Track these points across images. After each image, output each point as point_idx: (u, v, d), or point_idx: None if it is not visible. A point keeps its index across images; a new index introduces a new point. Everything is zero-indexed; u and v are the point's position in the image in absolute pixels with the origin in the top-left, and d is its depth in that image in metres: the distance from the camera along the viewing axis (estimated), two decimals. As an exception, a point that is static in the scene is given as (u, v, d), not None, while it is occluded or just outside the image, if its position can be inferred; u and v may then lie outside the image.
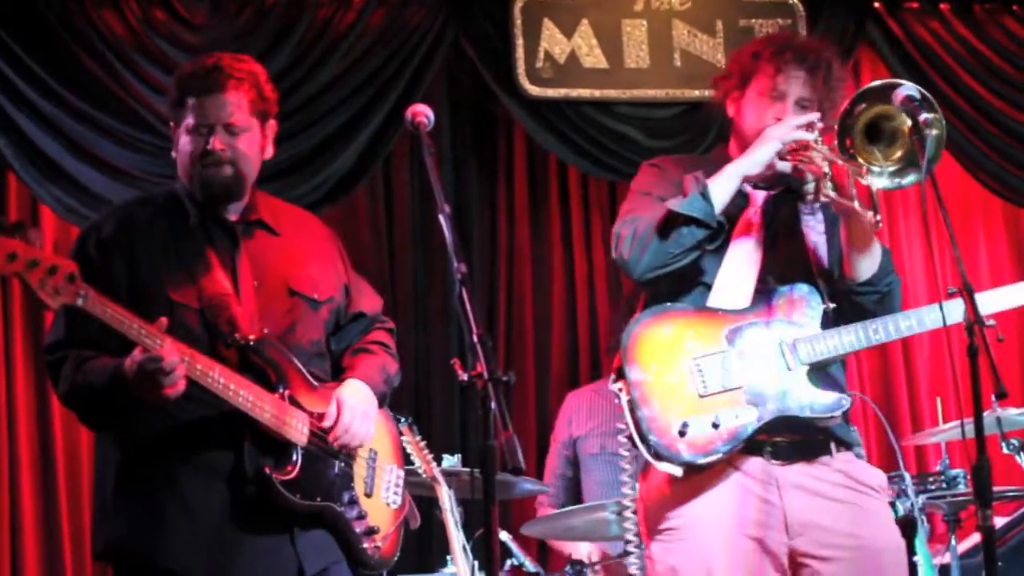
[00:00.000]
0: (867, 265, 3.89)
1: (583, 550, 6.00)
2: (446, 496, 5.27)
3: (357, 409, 3.83)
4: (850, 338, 3.86)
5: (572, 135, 6.80)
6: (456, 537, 5.22)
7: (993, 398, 3.45)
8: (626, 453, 3.99)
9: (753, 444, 3.84)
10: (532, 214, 7.21)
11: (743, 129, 4.05)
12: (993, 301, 3.92)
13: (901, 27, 6.89)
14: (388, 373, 4.07)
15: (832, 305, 3.92)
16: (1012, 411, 5.77)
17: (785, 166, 3.88)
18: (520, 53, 6.71)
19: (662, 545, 3.92)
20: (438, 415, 6.66)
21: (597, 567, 5.83)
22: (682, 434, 3.77)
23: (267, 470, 3.62)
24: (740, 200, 3.97)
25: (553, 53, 6.74)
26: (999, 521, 6.04)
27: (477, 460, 3.39)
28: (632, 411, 3.82)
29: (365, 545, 3.85)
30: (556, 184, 7.25)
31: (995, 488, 5.34)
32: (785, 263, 3.98)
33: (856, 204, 3.75)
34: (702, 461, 3.79)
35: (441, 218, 3.37)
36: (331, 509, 3.77)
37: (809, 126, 3.86)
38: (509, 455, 3.05)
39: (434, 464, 5.30)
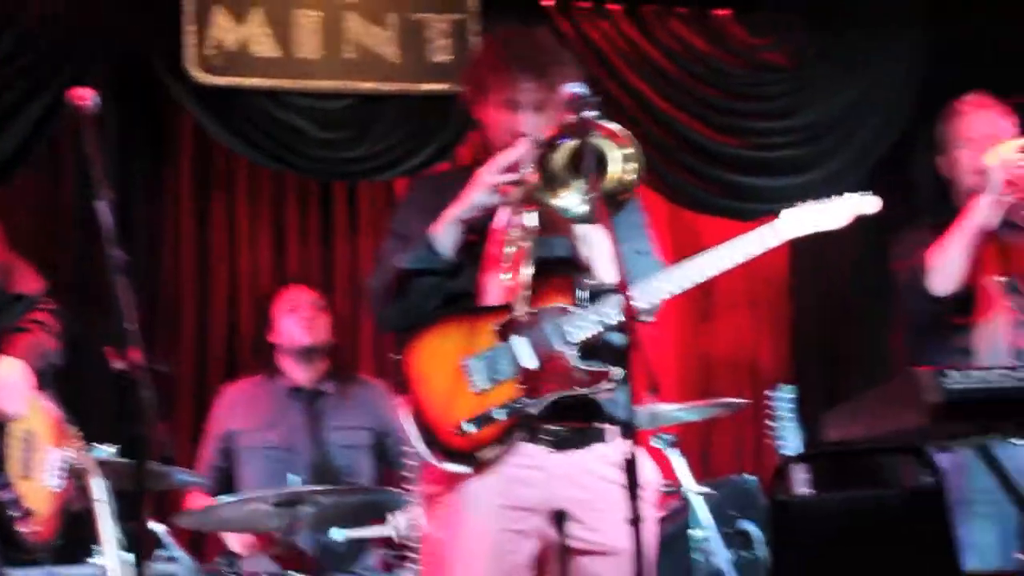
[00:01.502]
0: (604, 272, 3.96)
1: (242, 541, 5.94)
2: (99, 486, 5.13)
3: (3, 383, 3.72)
4: (612, 309, 3.93)
5: (241, 124, 6.71)
6: (107, 528, 5.10)
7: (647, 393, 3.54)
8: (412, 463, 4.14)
9: (530, 432, 3.93)
10: (198, 203, 7.10)
11: (488, 137, 4.15)
12: (739, 251, 4.03)
13: (572, 26, 6.97)
14: (45, 350, 3.97)
15: (591, 283, 4.00)
16: (666, 406, 5.93)
17: (503, 198, 3.98)
18: (190, 40, 6.58)
19: (430, 518, 4.03)
20: (93, 403, 6.48)
21: (254, 555, 5.81)
22: (462, 434, 3.88)
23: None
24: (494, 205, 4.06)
25: (224, 41, 6.64)
26: (655, 514, 6.20)
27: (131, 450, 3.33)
28: (415, 419, 3.92)
29: (20, 528, 3.74)
30: (224, 173, 7.15)
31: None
32: (547, 249, 4.03)
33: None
34: (484, 456, 3.91)
35: (99, 204, 3.29)
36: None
37: (520, 162, 3.93)
38: (162, 445, 3.00)
39: (88, 452, 5.17)
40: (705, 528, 5.77)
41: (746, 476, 6.56)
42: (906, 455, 5.54)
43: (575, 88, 3.76)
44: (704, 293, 7.79)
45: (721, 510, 6.04)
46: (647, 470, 4.02)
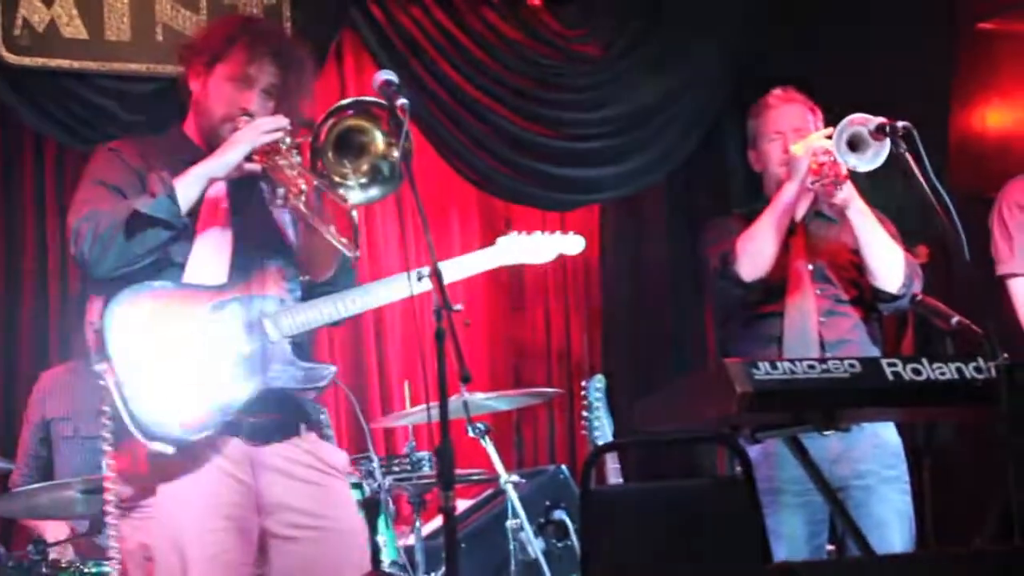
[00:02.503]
0: (325, 266, 3.94)
1: (57, 531, 5.87)
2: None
3: None
4: (328, 309, 3.93)
5: (49, 106, 6.55)
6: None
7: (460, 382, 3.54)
8: (108, 435, 3.94)
9: (232, 424, 3.88)
10: (5, 182, 6.94)
11: (205, 108, 4.09)
12: (455, 270, 4.15)
13: (383, 12, 6.91)
14: None
15: (307, 276, 3.97)
16: (478, 395, 5.94)
17: (254, 167, 3.92)
18: (-2, 20, 6.43)
19: (132, 523, 3.90)
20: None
21: (64, 545, 5.72)
22: (173, 412, 3.78)
23: None
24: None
25: (32, 21, 6.47)
26: (463, 504, 6.22)
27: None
28: (119, 392, 3.79)
29: None
30: (31, 153, 7.00)
31: (459, 471, 5.49)
32: (259, 238, 4.03)
33: (327, 232, 3.84)
34: (194, 438, 3.81)
35: None
36: None
37: (280, 132, 3.92)
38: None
39: None
40: (519, 518, 5.78)
41: (559, 466, 6.61)
42: (716, 445, 5.63)
43: (385, 75, 3.76)
44: (516, 282, 7.82)
45: (534, 500, 6.06)
46: (336, 454, 4.11)
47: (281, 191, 3.91)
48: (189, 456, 3.85)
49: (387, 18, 6.94)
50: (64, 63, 6.53)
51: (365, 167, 3.84)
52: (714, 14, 7.36)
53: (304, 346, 4.02)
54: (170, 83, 6.56)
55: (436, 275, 3.42)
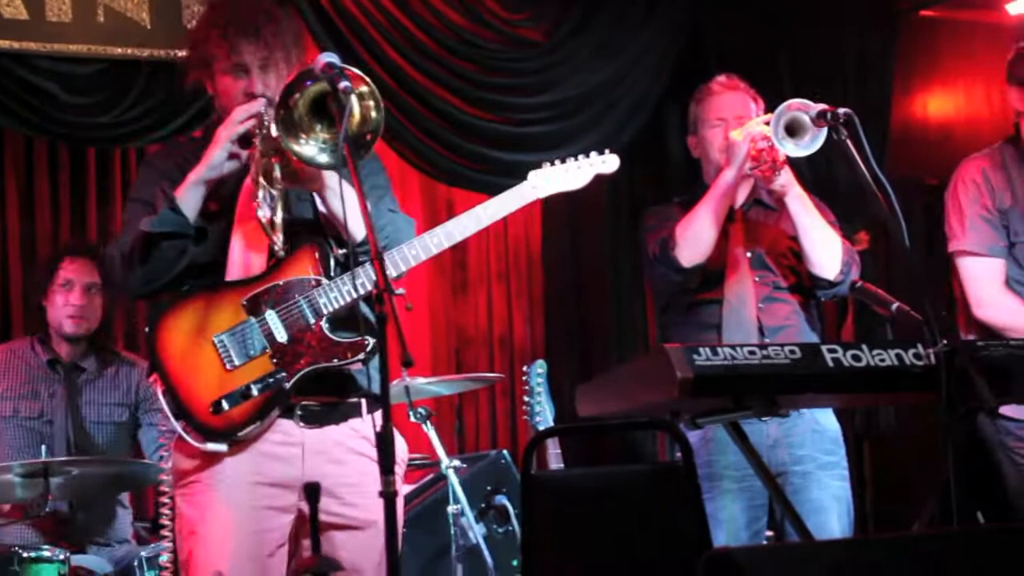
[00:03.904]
0: (354, 226, 3.93)
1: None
2: None
3: None
4: (361, 280, 3.92)
5: (-11, 87, 6.51)
6: None
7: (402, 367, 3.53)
8: (163, 424, 4.17)
9: (286, 408, 3.95)
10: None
11: (223, 106, 4.12)
12: (491, 210, 4.21)
13: (327, -3, 6.90)
14: None
15: (342, 251, 3.99)
16: (420, 380, 5.94)
17: (244, 159, 3.98)
18: (-65, 0, 6.36)
19: (183, 497, 4.02)
20: None
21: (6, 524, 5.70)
22: (218, 412, 3.87)
23: None
24: (240, 172, 4.03)
25: (-30, 2, 6.42)
26: (405, 489, 6.21)
27: None
28: (169, 400, 3.91)
29: None
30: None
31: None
32: (292, 223, 4.02)
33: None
34: (242, 433, 3.90)
35: None
36: None
37: (257, 117, 3.94)
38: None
39: None
40: (460, 503, 5.78)
41: (501, 451, 6.61)
42: (656, 431, 5.64)
43: (327, 57, 3.75)
44: (458, 266, 7.84)
45: (476, 485, 6.08)
46: (399, 445, 4.04)
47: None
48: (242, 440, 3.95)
49: (331, 2, 6.90)
50: (4, 44, 6.46)
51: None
52: (657, 0, 7.37)
53: (348, 320, 4.00)
54: (112, 65, 6.62)
55: (379, 259, 3.41)
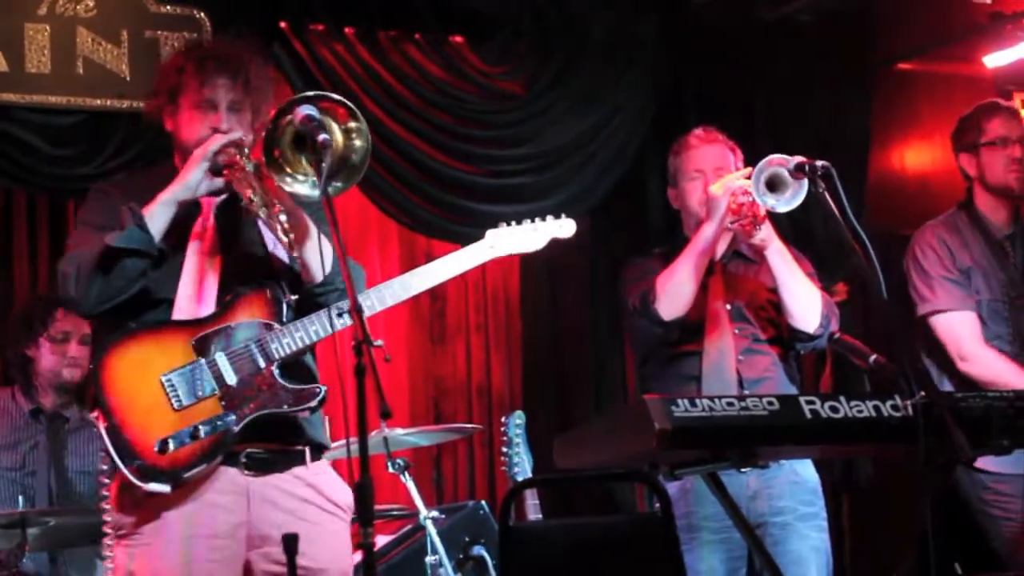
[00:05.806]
0: (316, 265, 3.93)
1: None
2: None
3: None
4: (315, 327, 3.91)
5: (-32, 139, 6.51)
6: None
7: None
8: (105, 467, 4.00)
9: (229, 455, 3.91)
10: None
11: (182, 141, 4.12)
12: (443, 268, 4.26)
13: (306, 48, 6.87)
14: None
15: (295, 297, 3.98)
16: (398, 431, 5.93)
17: (218, 183, 3.94)
18: (-83, 52, 6.37)
19: (124, 549, 3.93)
20: None
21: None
22: (163, 451, 3.82)
23: None
24: (193, 209, 4.04)
25: (-48, 54, 6.43)
26: (382, 540, 6.19)
27: None
28: (112, 437, 3.85)
29: None
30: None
31: (379, 507, 5.47)
32: (245, 264, 4.04)
33: (279, 232, 3.86)
34: (187, 475, 3.84)
35: None
36: None
37: (237, 144, 3.94)
38: None
39: None
40: (438, 553, 5.76)
41: (479, 502, 6.59)
42: (635, 482, 5.65)
43: (305, 110, 3.75)
44: (436, 316, 7.82)
45: (454, 536, 6.05)
46: (341, 491, 4.06)
47: (245, 202, 3.94)
48: (183, 488, 3.87)
49: (309, 53, 6.91)
50: (-16, 96, 6.48)
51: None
52: (635, 53, 7.40)
53: (295, 367, 4.00)
54: (91, 116, 6.62)
55: (357, 311, 3.40)
